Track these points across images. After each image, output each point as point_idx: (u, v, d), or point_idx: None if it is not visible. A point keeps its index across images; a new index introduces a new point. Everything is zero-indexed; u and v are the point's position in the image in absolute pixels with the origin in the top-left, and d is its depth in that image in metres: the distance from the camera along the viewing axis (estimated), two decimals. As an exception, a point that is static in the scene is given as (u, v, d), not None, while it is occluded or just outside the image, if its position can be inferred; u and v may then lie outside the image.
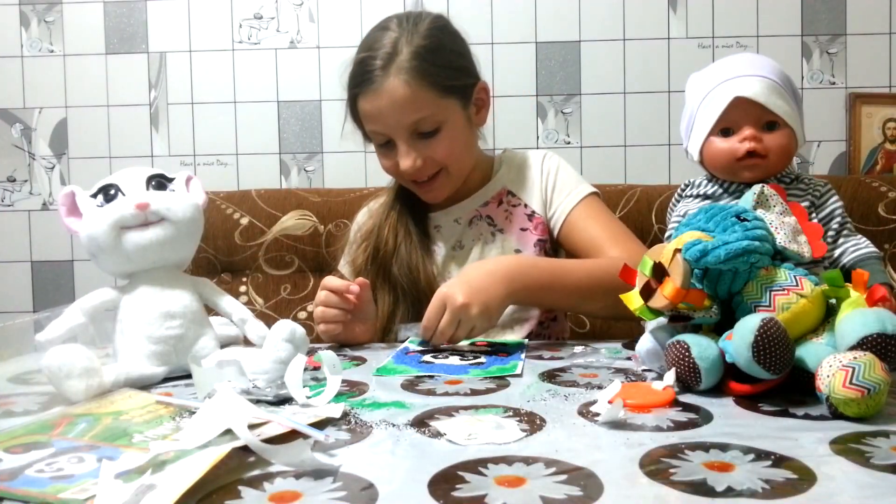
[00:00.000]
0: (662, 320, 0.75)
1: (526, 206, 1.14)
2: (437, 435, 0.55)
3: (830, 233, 0.88)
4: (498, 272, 0.93)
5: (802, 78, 1.75)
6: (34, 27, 1.80)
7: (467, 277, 0.92)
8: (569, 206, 1.12)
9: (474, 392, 0.68)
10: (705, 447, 0.51)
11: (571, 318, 1.49)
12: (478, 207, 1.16)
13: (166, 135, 1.81)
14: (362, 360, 0.85)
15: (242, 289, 1.51)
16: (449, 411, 0.61)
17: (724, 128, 0.90)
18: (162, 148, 1.82)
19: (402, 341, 0.97)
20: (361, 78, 1.04)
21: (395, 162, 1.07)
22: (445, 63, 1.05)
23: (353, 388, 0.71)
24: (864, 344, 0.59)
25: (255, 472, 0.48)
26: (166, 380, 0.77)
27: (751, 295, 0.68)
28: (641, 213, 1.48)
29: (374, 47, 1.04)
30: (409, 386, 0.71)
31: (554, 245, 1.15)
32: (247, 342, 0.87)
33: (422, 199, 1.14)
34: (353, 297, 0.97)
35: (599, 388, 0.68)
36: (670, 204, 1.01)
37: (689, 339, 0.67)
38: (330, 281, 0.99)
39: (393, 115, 1.03)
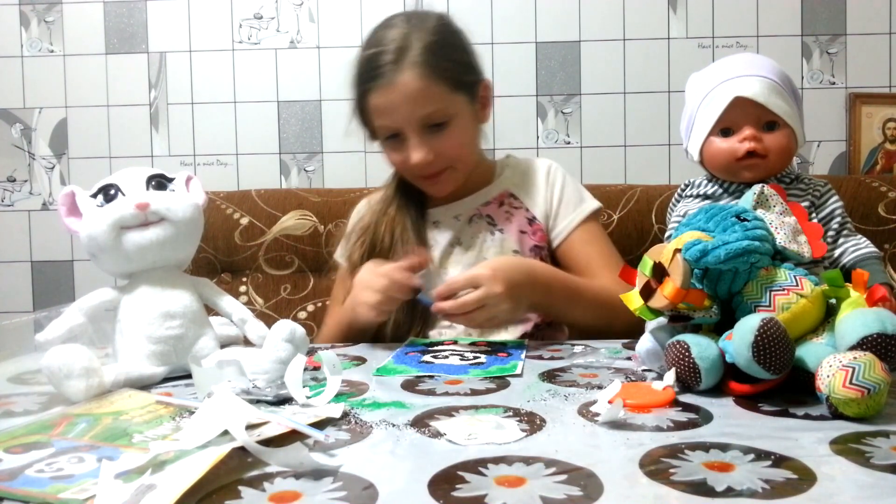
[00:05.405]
0: (662, 320, 0.75)
1: (527, 210, 1.16)
2: (437, 435, 0.55)
3: (830, 233, 0.88)
4: (536, 279, 0.98)
5: (802, 78, 1.75)
6: (34, 27, 1.80)
7: (509, 272, 0.94)
8: (572, 224, 1.14)
9: (474, 392, 0.68)
10: (705, 447, 0.51)
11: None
12: (478, 206, 1.16)
13: (166, 135, 1.81)
14: (362, 360, 0.85)
15: (242, 289, 1.51)
16: (449, 411, 0.61)
17: (724, 128, 0.90)
18: (162, 148, 1.82)
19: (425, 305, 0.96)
20: (372, 73, 1.04)
21: (404, 156, 1.07)
22: (455, 59, 1.08)
23: (353, 388, 0.71)
24: (864, 344, 0.59)
25: (255, 472, 0.48)
26: (166, 380, 0.77)
27: (751, 295, 0.68)
28: (641, 213, 1.48)
29: (382, 43, 1.05)
30: (409, 386, 0.71)
31: (550, 254, 1.15)
32: (247, 342, 0.87)
33: (427, 192, 1.14)
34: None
35: (599, 388, 0.68)
36: (670, 204, 1.01)
37: (689, 339, 0.67)
38: (398, 273, 0.96)
39: (405, 108, 1.04)
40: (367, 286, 0.97)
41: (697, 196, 0.95)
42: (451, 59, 1.06)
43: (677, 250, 0.69)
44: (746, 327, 0.61)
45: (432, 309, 0.93)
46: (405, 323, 1.06)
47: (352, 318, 1.02)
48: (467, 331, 1.08)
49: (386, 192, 1.19)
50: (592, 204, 1.17)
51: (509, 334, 1.09)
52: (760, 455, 0.49)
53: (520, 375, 0.75)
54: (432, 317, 1.07)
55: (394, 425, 0.58)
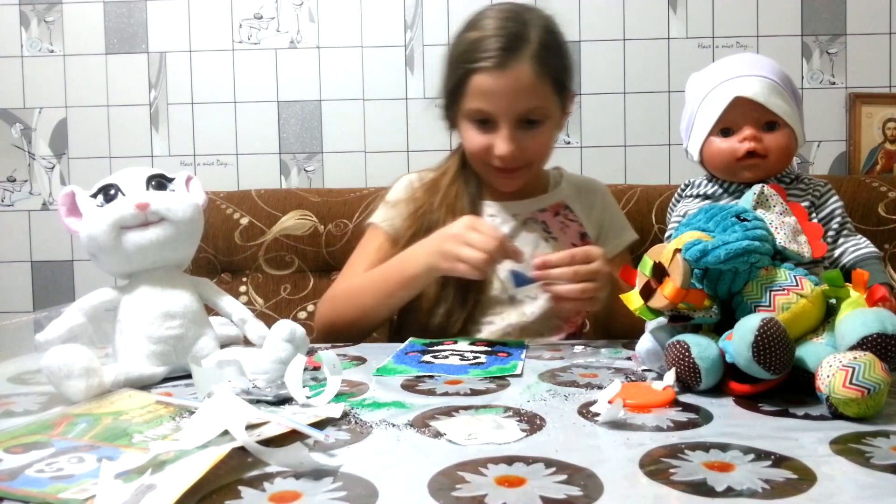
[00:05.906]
0: (662, 320, 0.75)
1: (581, 225, 1.17)
2: (437, 435, 0.55)
3: (830, 233, 0.88)
4: (615, 278, 0.97)
5: (802, 78, 1.75)
6: (34, 27, 1.80)
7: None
8: (614, 251, 1.17)
9: (474, 392, 0.68)
10: (705, 447, 0.51)
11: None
12: (535, 211, 1.16)
13: (166, 135, 1.81)
14: (362, 360, 0.85)
15: (242, 289, 1.51)
16: (449, 411, 0.61)
17: (724, 128, 0.90)
18: (162, 148, 1.82)
19: (516, 281, 0.95)
20: (483, 55, 1.03)
21: (488, 143, 1.06)
22: (563, 61, 1.09)
23: (353, 388, 0.71)
24: (864, 344, 0.59)
25: (255, 472, 0.48)
26: (166, 380, 0.77)
27: (751, 295, 0.68)
28: (641, 213, 1.47)
29: (492, 28, 1.04)
30: (409, 386, 0.71)
31: None
32: (247, 342, 0.87)
33: (493, 184, 1.13)
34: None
35: (599, 388, 0.68)
36: (670, 204, 1.01)
37: (689, 339, 0.67)
38: (506, 239, 0.95)
39: (510, 98, 1.03)
40: (465, 242, 0.93)
41: (697, 196, 0.95)
42: (561, 60, 1.08)
43: (677, 250, 0.69)
44: (746, 327, 0.61)
45: (532, 276, 0.91)
46: (455, 312, 1.06)
47: (428, 268, 0.98)
48: (506, 330, 1.07)
49: (445, 176, 1.17)
50: (632, 235, 1.21)
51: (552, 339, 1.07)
52: (760, 455, 0.49)
53: (520, 375, 0.75)
54: (480, 309, 1.07)
55: (394, 425, 0.58)
